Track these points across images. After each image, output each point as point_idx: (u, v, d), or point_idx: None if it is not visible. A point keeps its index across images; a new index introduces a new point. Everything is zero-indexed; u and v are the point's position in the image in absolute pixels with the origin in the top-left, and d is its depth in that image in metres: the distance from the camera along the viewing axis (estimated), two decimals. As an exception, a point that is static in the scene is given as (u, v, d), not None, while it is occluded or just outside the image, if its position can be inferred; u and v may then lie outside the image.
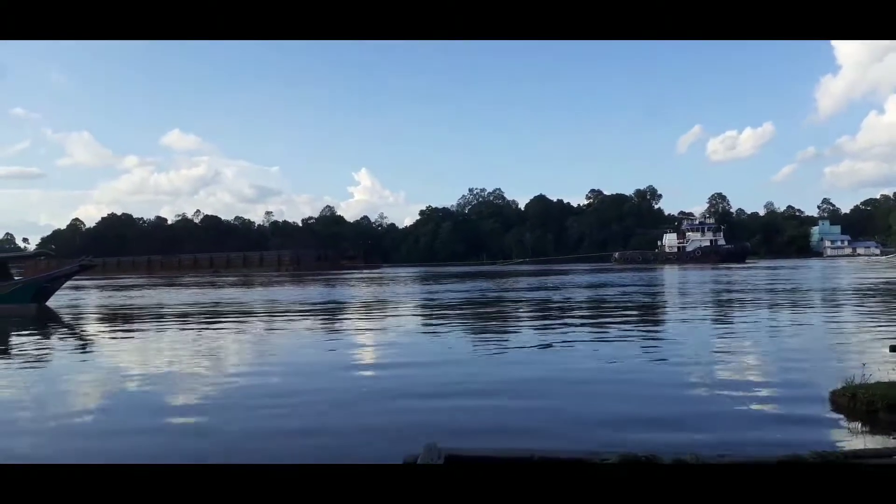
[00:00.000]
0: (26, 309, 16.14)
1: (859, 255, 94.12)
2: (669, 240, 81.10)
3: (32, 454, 3.98)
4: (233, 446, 4.08)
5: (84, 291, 28.62)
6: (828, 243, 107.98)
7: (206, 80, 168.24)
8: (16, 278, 18.99)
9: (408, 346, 8.81)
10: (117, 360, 8.06)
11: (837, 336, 8.77)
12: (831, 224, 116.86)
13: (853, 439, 4.09)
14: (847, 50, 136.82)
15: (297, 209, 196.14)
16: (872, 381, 4.95)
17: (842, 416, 4.55)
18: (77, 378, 6.85)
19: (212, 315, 14.46)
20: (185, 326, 12.03)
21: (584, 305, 14.98)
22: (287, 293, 23.95)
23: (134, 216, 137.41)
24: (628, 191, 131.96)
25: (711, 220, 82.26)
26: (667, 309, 14.29)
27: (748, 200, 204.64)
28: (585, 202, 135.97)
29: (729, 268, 47.13)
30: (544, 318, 12.31)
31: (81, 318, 14.70)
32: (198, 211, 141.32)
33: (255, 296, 22.72)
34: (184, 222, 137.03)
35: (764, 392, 5.38)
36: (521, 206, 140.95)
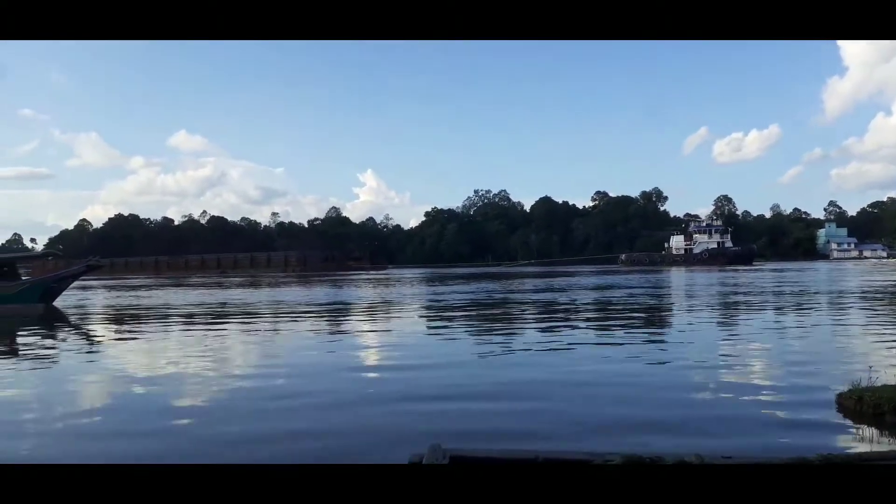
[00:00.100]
0: (33, 309, 16.23)
1: (866, 257, 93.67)
2: (676, 242, 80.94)
3: (36, 456, 3.99)
4: (235, 449, 4.08)
5: (91, 292, 28.75)
6: (834, 246, 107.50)
7: (211, 81, 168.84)
8: (23, 278, 19.09)
9: (413, 348, 8.81)
10: (123, 360, 8.09)
11: (844, 339, 8.72)
12: (838, 226, 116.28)
13: (860, 442, 4.06)
14: (853, 50, 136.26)
15: (303, 210, 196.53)
16: (879, 384, 4.92)
17: (848, 419, 4.52)
18: (82, 379, 6.87)
19: (218, 316, 14.49)
20: (192, 327, 12.06)
21: (590, 307, 14.95)
22: (294, 294, 23.98)
23: (141, 217, 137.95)
24: (634, 192, 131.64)
25: (719, 223, 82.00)
26: (673, 311, 14.24)
27: (754, 202, 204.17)
28: (591, 204, 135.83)
29: (736, 270, 46.95)
30: (550, 319, 12.29)
31: (88, 319, 14.77)
32: (204, 212, 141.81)
33: (261, 296, 22.77)
34: (190, 223, 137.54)
35: (770, 395, 5.35)
36: (527, 207, 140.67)
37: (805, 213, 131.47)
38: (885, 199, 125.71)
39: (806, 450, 3.21)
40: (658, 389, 5.69)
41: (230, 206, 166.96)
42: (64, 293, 19.23)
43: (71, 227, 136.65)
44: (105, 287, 34.55)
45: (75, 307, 18.15)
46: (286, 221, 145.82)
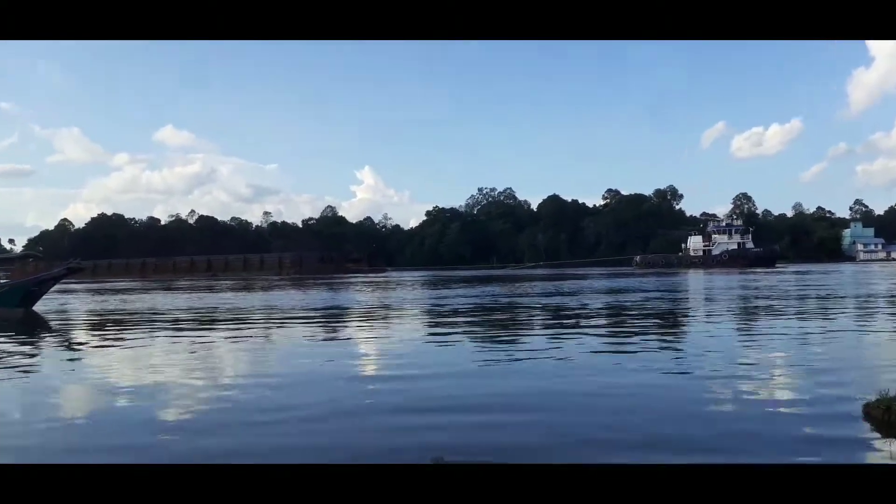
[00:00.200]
0: (13, 313, 16.25)
1: (894, 259, 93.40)
2: (694, 242, 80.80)
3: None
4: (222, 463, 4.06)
5: (73, 296, 28.79)
6: (860, 246, 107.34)
7: (199, 74, 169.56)
8: (2, 281, 19.12)
9: (413, 356, 8.79)
10: (106, 369, 8.08)
11: (871, 346, 8.67)
12: (864, 226, 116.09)
13: (887, 454, 4.03)
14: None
15: (297, 209, 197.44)
16: (909, 395, 4.88)
17: (877, 432, 4.49)
18: (62, 389, 6.87)
19: (208, 322, 14.49)
20: (180, 334, 12.06)
21: (602, 313, 14.92)
22: (288, 298, 24.01)
23: (125, 216, 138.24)
24: (647, 190, 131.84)
25: (739, 222, 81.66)
26: (691, 317, 14.20)
27: (775, 201, 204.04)
28: (602, 202, 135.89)
29: (757, 272, 46.85)
30: (559, 326, 12.27)
31: (70, 324, 14.78)
32: (192, 211, 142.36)
33: (254, 301, 22.81)
34: (178, 223, 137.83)
35: (794, 408, 5.31)
36: (534, 206, 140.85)
37: (829, 211, 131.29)
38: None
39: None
40: (673, 401, 5.66)
41: (220, 204, 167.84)
42: (45, 297, 19.25)
43: (51, 227, 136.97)
44: (88, 291, 34.59)
45: (56, 312, 18.17)
46: (279, 221, 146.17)
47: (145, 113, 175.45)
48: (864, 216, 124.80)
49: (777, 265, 67.97)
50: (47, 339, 12.02)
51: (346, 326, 13.32)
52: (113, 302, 23.69)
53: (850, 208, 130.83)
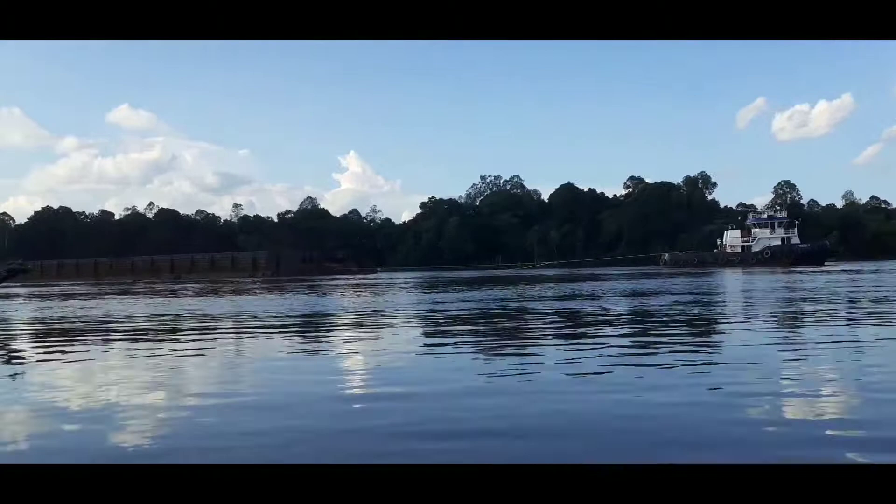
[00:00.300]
0: (-54, 323, 16.21)
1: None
2: (732, 238, 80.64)
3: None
4: None
5: (16, 301, 28.73)
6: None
7: (161, 47, 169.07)
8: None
9: (407, 372, 8.76)
10: (53, 387, 8.03)
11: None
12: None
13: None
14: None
15: (272, 201, 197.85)
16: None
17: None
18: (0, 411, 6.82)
19: (171, 331, 14.48)
20: (138, 345, 12.03)
21: (624, 319, 14.91)
22: (265, 303, 24.02)
23: (74, 210, 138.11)
24: (676, 178, 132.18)
25: (783, 214, 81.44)
26: (727, 324, 14.19)
27: (823, 189, 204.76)
28: (623, 192, 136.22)
29: (805, 272, 46.88)
30: (576, 336, 12.25)
31: (9, 334, 14.73)
32: (151, 203, 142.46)
33: (224, 307, 22.77)
34: (135, 217, 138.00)
35: (847, 431, 5.28)
36: (545, 196, 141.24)
37: (885, 201, 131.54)
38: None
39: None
40: (707, 425, 5.62)
41: (183, 196, 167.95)
42: (-18, 304, 19.21)
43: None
44: (31, 295, 34.47)
45: (-4, 321, 18.11)
46: (251, 215, 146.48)
47: (97, 90, 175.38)
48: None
49: (827, 263, 68.00)
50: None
51: (329, 337, 13.28)
52: (60, 308, 23.63)
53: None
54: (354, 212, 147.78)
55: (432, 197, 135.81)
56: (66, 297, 32.85)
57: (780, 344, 10.76)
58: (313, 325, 15.49)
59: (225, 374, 8.88)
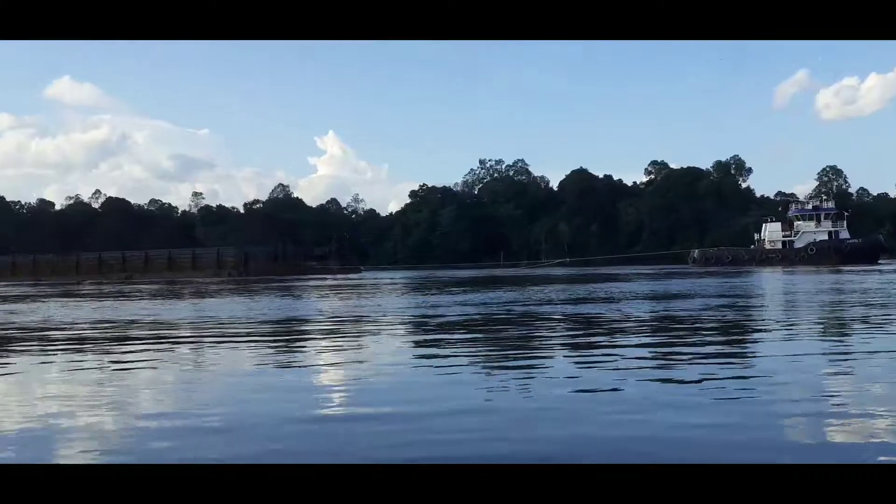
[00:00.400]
0: None
1: None
2: (771, 232, 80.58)
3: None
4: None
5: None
6: None
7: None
8: None
9: (396, 388, 8.76)
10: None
11: None
12: None
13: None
14: None
15: (238, 188, 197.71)
16: None
17: None
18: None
19: (122, 339, 14.43)
20: (84, 356, 12.02)
21: (645, 328, 14.91)
22: (231, 307, 24.04)
23: (7, 199, 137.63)
24: (704, 163, 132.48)
25: (830, 204, 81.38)
26: (765, 332, 14.20)
27: (873, 176, 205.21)
28: (644, 179, 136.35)
29: (856, 271, 46.94)
30: (590, 346, 12.24)
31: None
32: (97, 191, 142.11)
33: (184, 311, 22.76)
34: (79, 207, 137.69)
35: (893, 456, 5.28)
36: (554, 184, 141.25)
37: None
38: None
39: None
40: (740, 450, 5.60)
41: (134, 182, 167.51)
42: None
43: None
44: (-39, 298, 34.38)
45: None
46: (214, 205, 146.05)
47: (33, 59, 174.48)
48: None
49: (879, 261, 68.15)
50: None
51: (304, 347, 13.26)
52: (-6, 314, 23.56)
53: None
54: (333, 201, 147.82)
55: (424, 184, 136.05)
56: (0, 299, 32.69)
57: (825, 355, 10.76)
58: (286, 333, 15.45)
59: (181, 391, 8.84)
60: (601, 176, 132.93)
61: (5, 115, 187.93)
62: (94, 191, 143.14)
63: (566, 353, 11.51)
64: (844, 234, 76.41)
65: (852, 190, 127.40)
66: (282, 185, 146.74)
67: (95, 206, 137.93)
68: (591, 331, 14.32)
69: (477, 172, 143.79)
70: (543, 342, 13.01)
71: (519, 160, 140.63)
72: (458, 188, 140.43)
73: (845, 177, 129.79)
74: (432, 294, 30.26)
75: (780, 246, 77.80)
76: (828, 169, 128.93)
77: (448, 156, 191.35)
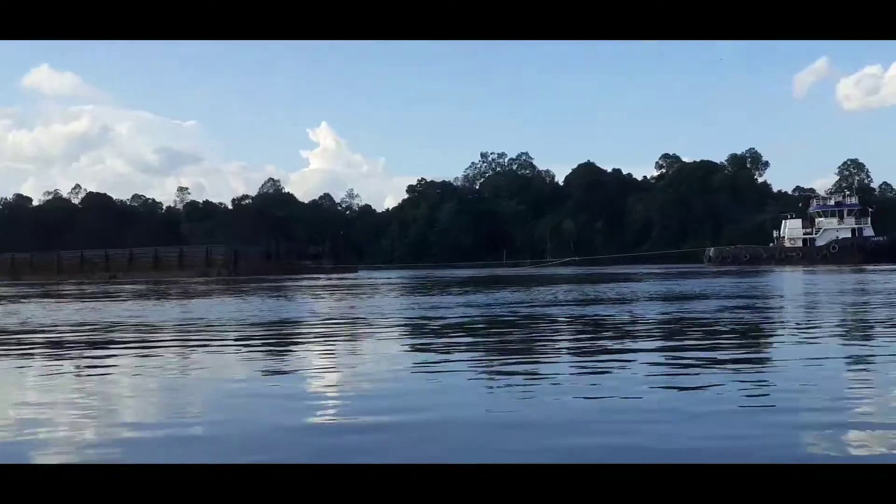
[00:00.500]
0: None
1: None
2: (791, 229, 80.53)
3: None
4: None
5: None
6: None
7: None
8: None
9: (394, 394, 8.72)
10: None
11: None
12: None
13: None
14: None
15: (226, 183, 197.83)
16: None
17: None
18: None
19: (104, 343, 14.43)
20: (63, 360, 12.03)
21: (657, 332, 14.88)
22: (219, 308, 24.04)
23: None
24: (718, 157, 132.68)
25: (854, 200, 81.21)
26: (784, 337, 14.18)
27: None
28: (655, 174, 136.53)
29: (881, 270, 46.90)
30: (597, 350, 12.20)
31: None
32: (77, 186, 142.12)
33: (171, 313, 22.77)
34: (58, 203, 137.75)
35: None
36: (559, 179, 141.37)
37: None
38: None
39: None
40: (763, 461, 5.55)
41: (117, 177, 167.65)
42: None
43: None
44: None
45: None
46: (200, 200, 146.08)
47: (10, 47, 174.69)
48: None
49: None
50: None
51: (298, 350, 13.24)
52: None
53: None
54: (326, 197, 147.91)
55: (422, 179, 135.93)
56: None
57: (848, 359, 10.72)
58: (279, 336, 15.43)
59: (167, 399, 8.78)
60: (609, 170, 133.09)
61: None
62: (73, 185, 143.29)
63: (575, 357, 11.47)
64: (868, 232, 76.35)
65: (875, 185, 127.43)
66: (272, 179, 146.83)
67: (75, 201, 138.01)
68: (601, 334, 14.30)
69: (478, 166, 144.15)
70: (549, 346, 12.98)
71: (523, 153, 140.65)
72: (459, 183, 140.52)
73: (867, 171, 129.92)
74: (432, 294, 30.23)
75: (800, 244, 77.76)
76: (849, 163, 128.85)
77: (448, 148, 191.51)
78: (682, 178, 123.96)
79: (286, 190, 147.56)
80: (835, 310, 19.13)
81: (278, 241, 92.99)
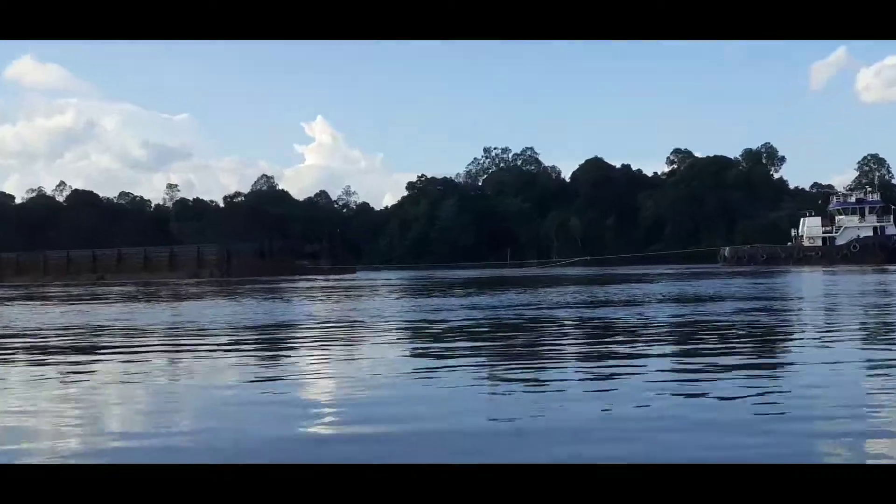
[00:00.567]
0: None
1: None
2: (810, 227, 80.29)
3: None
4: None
5: None
6: None
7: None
8: None
9: (393, 401, 8.73)
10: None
11: None
12: None
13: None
14: None
15: (216, 180, 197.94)
16: None
17: None
18: None
19: (90, 348, 14.43)
20: (47, 365, 12.01)
21: (668, 336, 14.86)
22: (212, 311, 24.07)
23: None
24: (732, 152, 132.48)
25: (876, 197, 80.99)
26: (803, 341, 14.16)
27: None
28: (666, 169, 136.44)
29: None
30: (605, 355, 12.19)
31: None
32: (62, 183, 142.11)
33: (161, 316, 22.77)
34: (42, 201, 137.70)
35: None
36: (566, 175, 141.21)
37: None
38: None
39: None
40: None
41: (103, 173, 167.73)
42: None
43: None
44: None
45: None
46: (190, 198, 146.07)
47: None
48: None
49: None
50: None
51: (294, 355, 13.24)
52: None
53: None
54: (323, 194, 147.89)
55: (422, 175, 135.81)
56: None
57: (867, 364, 10.71)
58: (273, 340, 15.45)
59: (156, 407, 8.77)
60: (618, 165, 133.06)
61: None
62: (58, 182, 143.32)
63: (583, 362, 11.47)
64: (891, 230, 76.18)
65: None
66: (265, 176, 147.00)
67: (60, 199, 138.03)
68: (608, 339, 14.29)
69: (481, 162, 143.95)
70: (556, 351, 12.98)
71: (527, 149, 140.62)
72: (461, 179, 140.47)
73: (888, 166, 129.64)
74: (433, 296, 30.22)
75: (819, 243, 77.59)
76: (869, 158, 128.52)
77: (449, 143, 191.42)
78: (694, 173, 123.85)
79: (280, 187, 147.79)
80: (856, 312, 19.10)
81: (272, 238, 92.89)
